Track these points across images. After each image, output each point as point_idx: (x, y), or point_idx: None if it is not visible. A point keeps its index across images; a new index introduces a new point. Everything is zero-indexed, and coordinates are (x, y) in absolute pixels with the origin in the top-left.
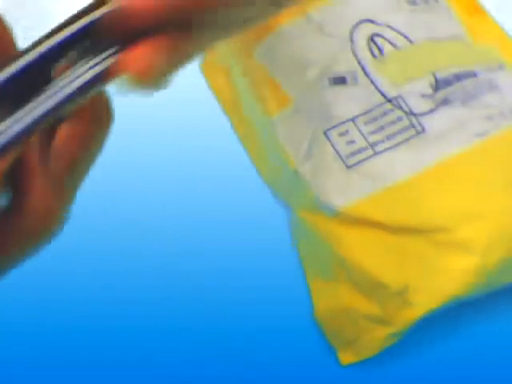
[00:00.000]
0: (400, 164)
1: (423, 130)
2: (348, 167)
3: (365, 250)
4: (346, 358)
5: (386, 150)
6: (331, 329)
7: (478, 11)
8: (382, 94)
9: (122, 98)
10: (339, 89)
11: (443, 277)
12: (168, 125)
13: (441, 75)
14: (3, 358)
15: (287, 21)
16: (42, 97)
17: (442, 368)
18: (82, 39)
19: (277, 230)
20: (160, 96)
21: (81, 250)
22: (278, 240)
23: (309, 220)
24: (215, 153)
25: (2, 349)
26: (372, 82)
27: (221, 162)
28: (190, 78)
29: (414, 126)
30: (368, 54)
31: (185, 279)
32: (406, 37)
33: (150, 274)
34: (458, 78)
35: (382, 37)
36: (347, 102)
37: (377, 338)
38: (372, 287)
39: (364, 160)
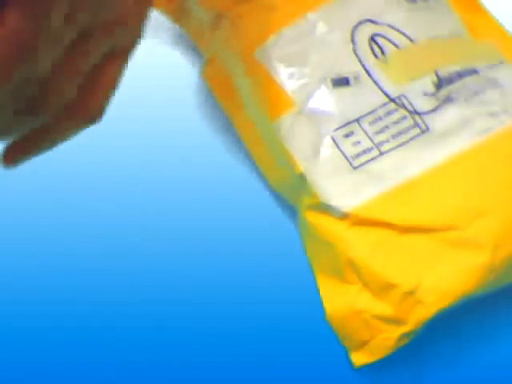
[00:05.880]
0: (406, 163)
1: (427, 128)
2: (354, 168)
3: (374, 251)
4: (359, 359)
5: (391, 149)
6: (343, 330)
7: (477, 8)
8: (386, 94)
9: (121, 100)
10: (342, 90)
11: (454, 275)
12: (169, 127)
13: (443, 73)
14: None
15: (288, 22)
16: None
17: (450, 368)
18: None
19: (288, 231)
20: (161, 97)
21: (82, 250)
22: (290, 241)
23: (316, 222)
24: (219, 154)
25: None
26: (375, 82)
27: (226, 163)
28: (190, 79)
29: (418, 125)
30: (370, 55)
31: (196, 280)
32: (406, 36)
33: (161, 276)
34: (460, 75)
35: (383, 36)
36: (351, 103)
37: (390, 338)
38: (383, 287)
39: (370, 160)
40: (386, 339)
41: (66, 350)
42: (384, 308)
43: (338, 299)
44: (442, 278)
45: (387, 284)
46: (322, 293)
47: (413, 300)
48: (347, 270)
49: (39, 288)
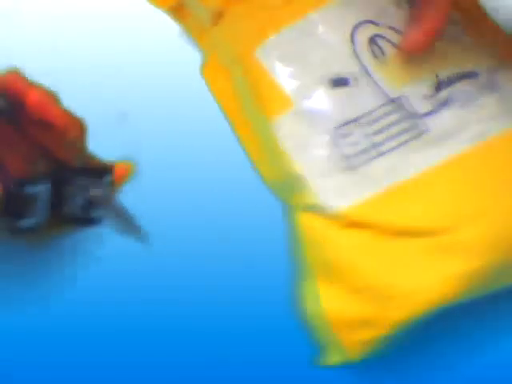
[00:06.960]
0: (403, 165)
1: (425, 130)
2: (351, 168)
3: (362, 253)
4: (332, 358)
5: (389, 150)
6: (319, 329)
7: (478, 10)
8: (385, 95)
9: (121, 100)
10: (341, 90)
11: (442, 279)
12: (168, 126)
13: (442, 76)
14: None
15: (288, 22)
16: None
17: (449, 368)
18: None
19: (287, 231)
20: (161, 96)
21: (82, 250)
22: (270, 240)
23: (308, 222)
24: (215, 154)
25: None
26: (374, 83)
27: (220, 163)
28: (189, 79)
29: (416, 127)
30: (369, 55)
31: (195, 280)
32: None
33: (161, 276)
34: (459, 78)
35: (383, 38)
36: (350, 104)
37: (364, 340)
38: (363, 289)
39: (367, 161)
40: (360, 341)
41: (66, 350)
42: (361, 309)
43: (317, 298)
44: (428, 281)
45: (368, 285)
46: (302, 290)
47: (396, 303)
48: (334, 270)
49: (38, 287)
